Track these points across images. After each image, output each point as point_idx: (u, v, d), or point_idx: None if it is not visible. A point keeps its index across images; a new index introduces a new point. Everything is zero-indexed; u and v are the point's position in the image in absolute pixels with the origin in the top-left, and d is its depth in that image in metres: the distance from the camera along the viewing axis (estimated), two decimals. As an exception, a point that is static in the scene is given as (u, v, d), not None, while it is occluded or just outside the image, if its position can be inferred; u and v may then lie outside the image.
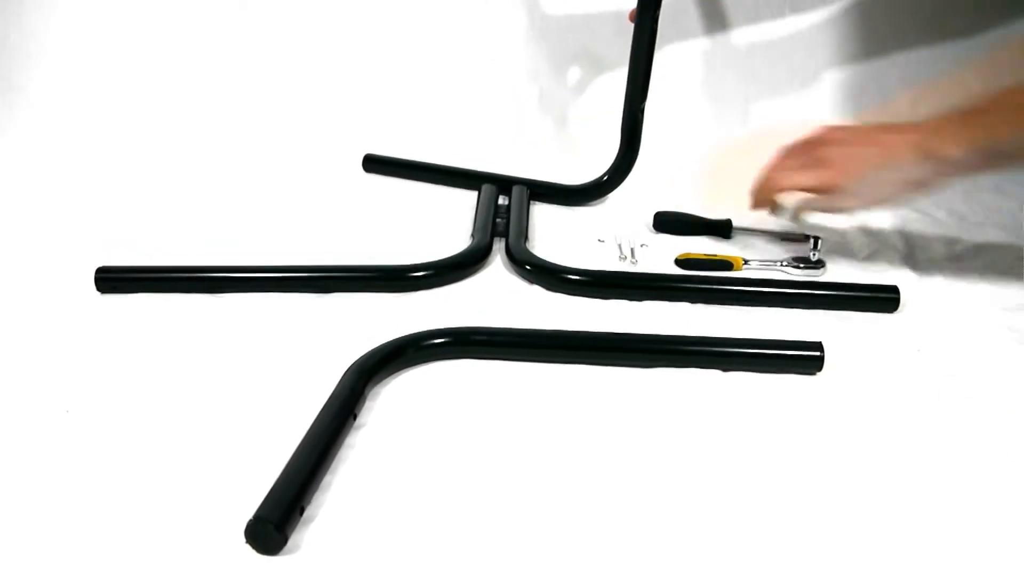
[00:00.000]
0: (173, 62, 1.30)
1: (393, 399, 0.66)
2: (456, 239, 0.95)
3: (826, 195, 0.79)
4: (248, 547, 0.50)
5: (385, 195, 1.15)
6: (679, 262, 0.90)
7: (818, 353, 0.68)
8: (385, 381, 0.68)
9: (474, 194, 1.09)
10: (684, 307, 0.81)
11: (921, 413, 0.64)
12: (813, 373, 0.69)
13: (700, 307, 0.81)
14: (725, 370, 0.69)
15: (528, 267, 0.86)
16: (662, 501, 0.55)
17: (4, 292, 0.83)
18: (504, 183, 1.10)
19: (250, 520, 0.49)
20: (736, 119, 1.31)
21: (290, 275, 0.82)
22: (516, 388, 0.67)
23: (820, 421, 0.63)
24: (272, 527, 0.49)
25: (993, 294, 0.83)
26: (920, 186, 0.76)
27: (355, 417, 0.62)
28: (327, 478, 0.56)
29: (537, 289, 0.85)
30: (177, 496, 0.54)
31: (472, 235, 0.95)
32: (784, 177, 0.81)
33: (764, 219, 0.88)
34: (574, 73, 1.32)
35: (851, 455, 0.59)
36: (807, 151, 0.80)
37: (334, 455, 0.57)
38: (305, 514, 0.52)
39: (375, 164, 1.22)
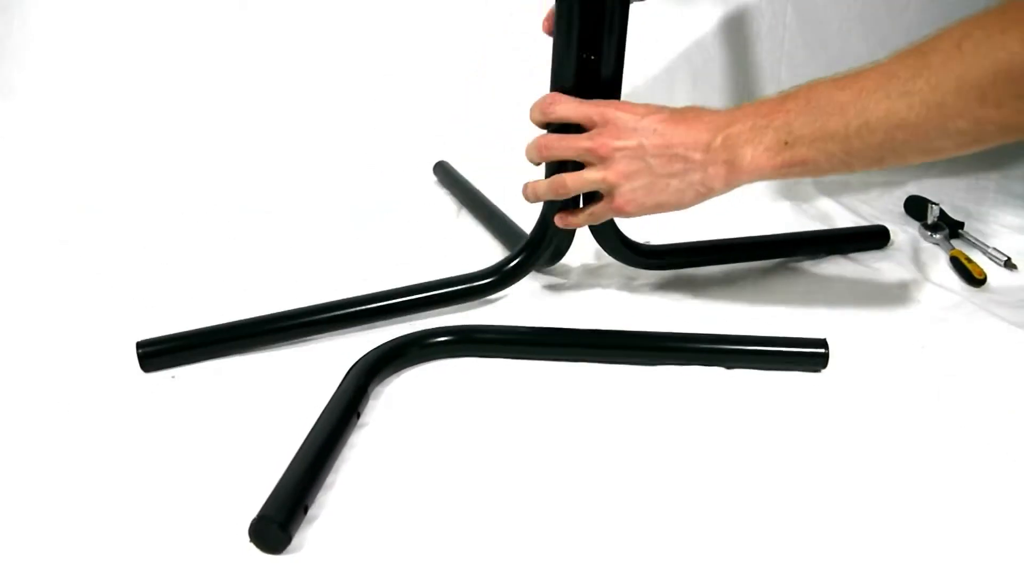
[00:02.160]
0: (172, 63, 1.29)
1: (396, 398, 0.66)
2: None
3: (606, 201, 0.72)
4: (252, 546, 0.50)
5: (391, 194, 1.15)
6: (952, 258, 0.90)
7: (823, 350, 0.68)
8: (388, 380, 0.68)
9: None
10: (689, 303, 0.81)
11: (923, 411, 0.64)
12: (818, 370, 0.69)
13: (706, 301, 0.81)
14: (729, 367, 0.69)
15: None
16: (667, 499, 0.54)
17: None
18: None
19: (254, 519, 0.49)
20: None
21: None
22: (519, 386, 0.67)
23: (824, 419, 0.63)
24: (276, 526, 0.49)
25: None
26: (708, 192, 0.69)
27: (359, 416, 0.61)
28: (330, 477, 0.56)
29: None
30: (181, 495, 0.54)
31: None
32: (561, 147, 0.73)
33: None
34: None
35: (854, 453, 0.59)
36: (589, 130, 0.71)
37: (338, 454, 0.57)
38: (309, 513, 0.52)
39: (444, 173, 1.20)
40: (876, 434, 0.61)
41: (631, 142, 0.69)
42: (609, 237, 0.83)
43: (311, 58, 1.31)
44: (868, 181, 1.19)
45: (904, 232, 0.99)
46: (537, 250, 0.82)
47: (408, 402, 0.65)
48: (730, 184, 0.68)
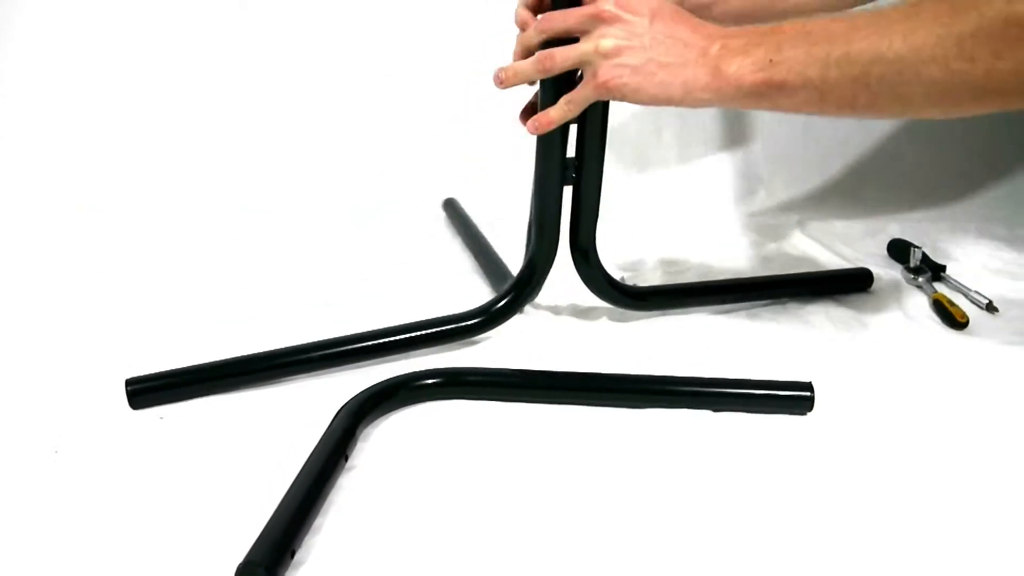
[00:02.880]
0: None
1: (385, 440, 0.66)
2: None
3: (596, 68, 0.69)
4: (238, 592, 0.49)
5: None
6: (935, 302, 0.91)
7: (808, 393, 0.69)
8: (376, 422, 0.68)
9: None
10: (675, 345, 0.81)
11: (908, 454, 0.64)
12: (804, 413, 0.69)
13: (693, 343, 0.81)
14: (716, 410, 0.69)
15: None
16: (656, 544, 0.54)
17: None
18: None
19: (240, 564, 0.49)
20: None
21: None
22: (508, 429, 0.67)
23: (810, 463, 0.63)
24: (263, 571, 0.49)
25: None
26: (688, 93, 0.68)
27: (347, 459, 0.62)
28: (318, 520, 0.56)
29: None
30: (167, 539, 0.54)
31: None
32: (562, 22, 0.70)
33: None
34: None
35: (841, 497, 0.59)
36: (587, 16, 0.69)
37: (325, 497, 0.57)
38: (296, 557, 0.52)
39: (451, 208, 1.21)
40: (862, 478, 0.61)
41: (638, 16, 0.68)
42: (596, 278, 0.84)
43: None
44: (852, 223, 1.20)
45: (887, 275, 1.00)
46: (524, 291, 0.83)
47: (396, 445, 0.65)
48: (709, 89, 0.67)
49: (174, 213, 1.06)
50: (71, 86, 1.24)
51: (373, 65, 1.31)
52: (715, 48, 0.67)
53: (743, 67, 0.66)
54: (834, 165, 1.33)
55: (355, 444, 0.64)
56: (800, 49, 0.65)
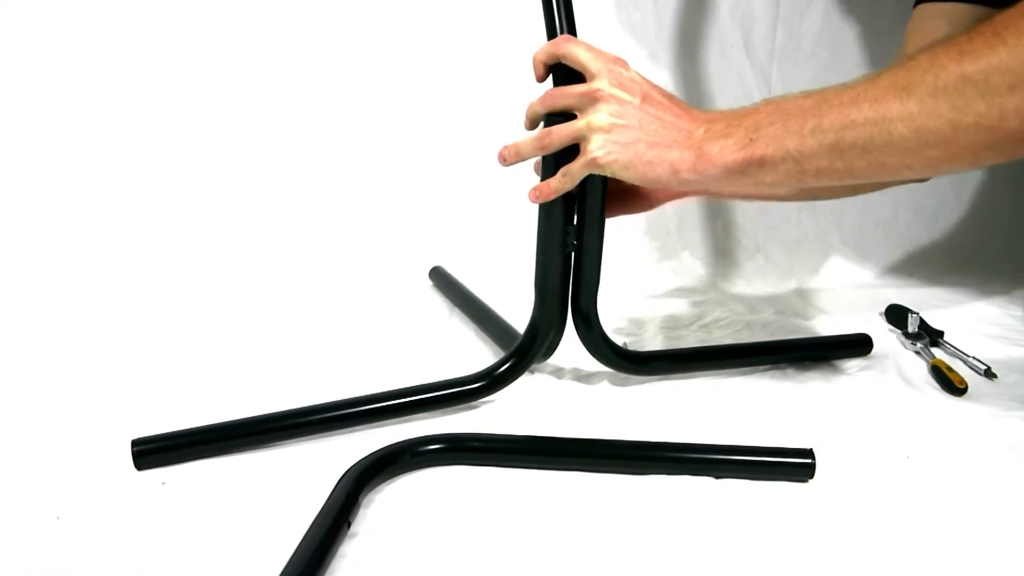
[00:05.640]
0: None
1: (387, 507, 0.66)
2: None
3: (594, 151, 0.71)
4: (240, 662, 0.49)
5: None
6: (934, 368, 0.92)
7: (809, 460, 0.69)
8: (379, 488, 0.68)
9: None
10: (676, 410, 0.81)
11: (909, 522, 0.64)
12: (805, 480, 0.69)
13: (694, 407, 0.82)
14: (718, 477, 0.69)
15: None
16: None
17: None
18: None
19: (243, 634, 0.49)
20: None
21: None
22: (510, 495, 0.67)
23: (811, 531, 0.63)
24: (265, 641, 0.49)
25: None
26: (674, 174, 0.71)
27: (349, 525, 0.61)
28: (321, 588, 0.55)
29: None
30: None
31: None
32: (561, 94, 0.73)
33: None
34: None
35: (842, 566, 0.59)
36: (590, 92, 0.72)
37: (328, 565, 0.57)
38: (298, 627, 0.52)
39: (439, 278, 1.22)
40: (865, 547, 0.61)
41: (631, 96, 0.72)
42: (597, 343, 0.85)
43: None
44: (849, 289, 1.22)
45: (886, 340, 1.01)
46: (528, 355, 0.83)
47: (399, 511, 0.65)
48: (694, 171, 0.70)
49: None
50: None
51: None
52: (699, 132, 0.71)
53: (725, 148, 0.70)
54: (831, 231, 1.35)
55: (358, 510, 0.64)
56: (776, 125, 0.68)
